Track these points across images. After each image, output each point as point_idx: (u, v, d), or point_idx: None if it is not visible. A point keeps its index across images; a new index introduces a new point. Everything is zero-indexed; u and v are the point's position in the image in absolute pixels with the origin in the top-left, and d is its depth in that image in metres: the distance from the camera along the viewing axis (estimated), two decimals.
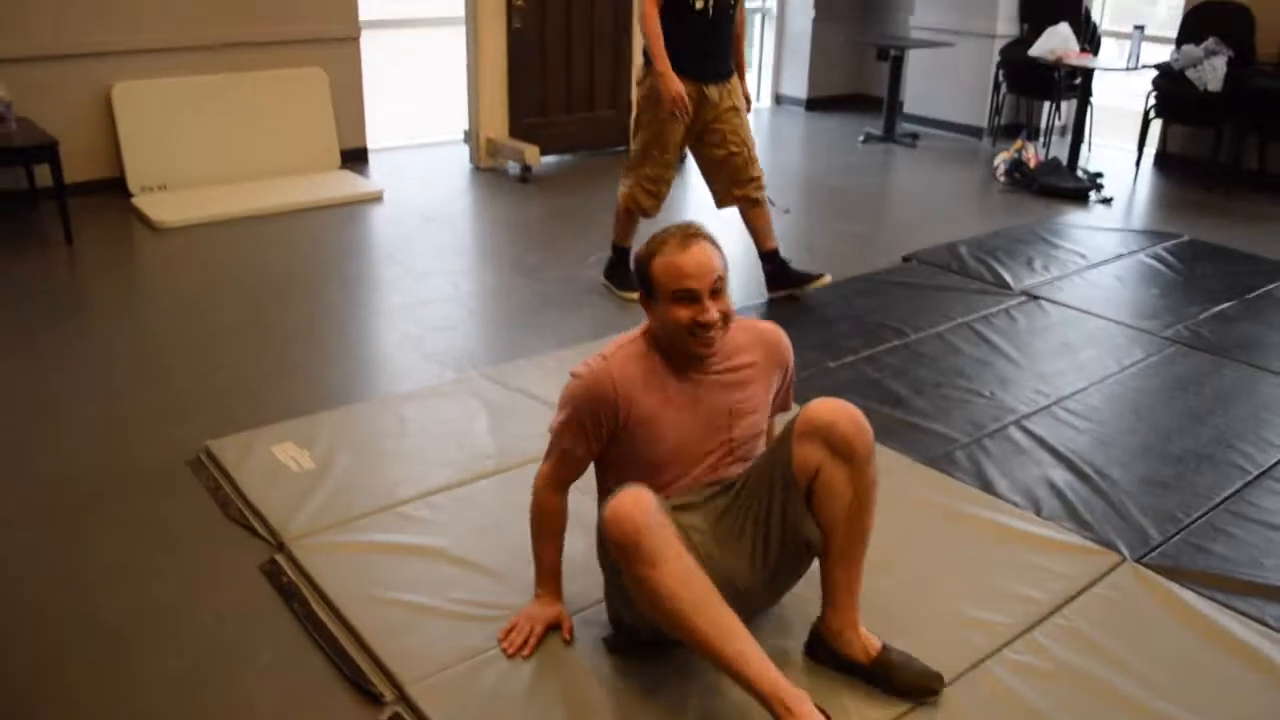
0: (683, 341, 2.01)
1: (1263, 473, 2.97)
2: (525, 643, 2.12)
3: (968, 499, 2.77)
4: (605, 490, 2.15)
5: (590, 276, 4.49)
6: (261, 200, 5.40)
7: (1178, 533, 2.66)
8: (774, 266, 4.25)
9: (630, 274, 3.79)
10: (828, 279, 4.24)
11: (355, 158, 6.28)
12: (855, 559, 2.04)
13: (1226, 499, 2.83)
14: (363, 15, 6.08)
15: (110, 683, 2.06)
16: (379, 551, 2.44)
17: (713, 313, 1.98)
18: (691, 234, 2.01)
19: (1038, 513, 2.72)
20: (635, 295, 3.42)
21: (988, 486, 2.84)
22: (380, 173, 6.16)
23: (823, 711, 1.80)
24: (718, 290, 2.00)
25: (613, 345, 2.10)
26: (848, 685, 2.06)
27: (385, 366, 3.59)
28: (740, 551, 2.04)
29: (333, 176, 5.92)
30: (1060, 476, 2.91)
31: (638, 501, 1.84)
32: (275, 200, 5.42)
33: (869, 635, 2.07)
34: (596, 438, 2.06)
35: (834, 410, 1.98)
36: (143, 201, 5.29)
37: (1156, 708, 2.05)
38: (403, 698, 2.01)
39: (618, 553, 1.84)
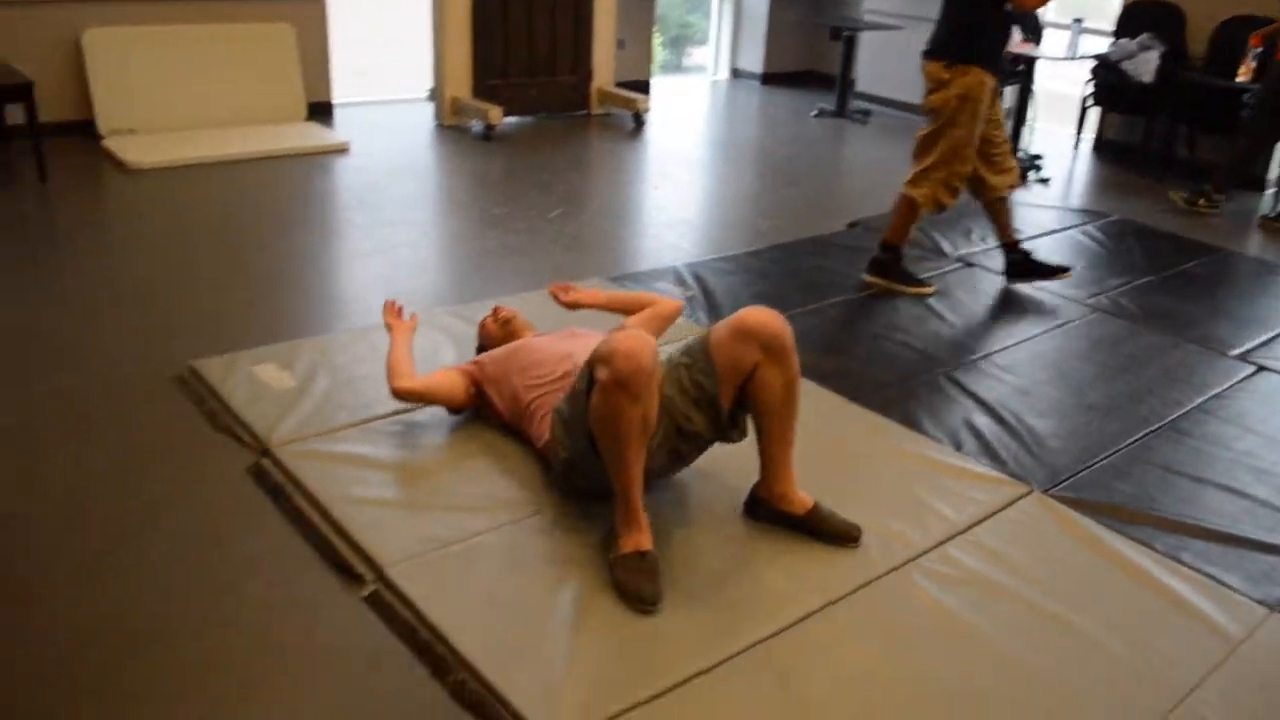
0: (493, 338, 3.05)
1: (1164, 424, 3.27)
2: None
3: (895, 435, 3.03)
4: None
5: (553, 229, 4.70)
6: (231, 147, 5.54)
7: (1083, 470, 2.94)
8: (1018, 257, 4.37)
9: (906, 268, 4.23)
10: (1070, 275, 4.34)
11: (321, 111, 6.40)
12: (789, 437, 2.48)
13: (1129, 444, 3.12)
14: None
15: (105, 568, 2.25)
16: (356, 459, 2.65)
17: (495, 315, 3.09)
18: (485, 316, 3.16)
19: (958, 448, 2.99)
20: (929, 289, 4.18)
21: (914, 425, 3.11)
22: (346, 126, 6.30)
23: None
24: (499, 315, 3.09)
25: None
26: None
27: (358, 303, 3.78)
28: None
29: (299, 127, 6.05)
30: (981, 420, 3.18)
31: (647, 345, 2.17)
32: (244, 147, 5.55)
33: (803, 494, 2.52)
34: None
35: (765, 315, 2.40)
36: (114, 144, 5.40)
37: (1049, 608, 2.33)
38: (381, 578, 2.23)
39: (613, 375, 2.13)
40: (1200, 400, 3.45)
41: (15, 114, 5.01)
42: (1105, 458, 3.03)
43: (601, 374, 2.16)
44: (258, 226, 4.49)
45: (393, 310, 3.00)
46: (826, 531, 2.50)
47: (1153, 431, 3.21)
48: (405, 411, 2.91)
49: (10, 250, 4.03)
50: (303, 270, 4.06)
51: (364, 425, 2.82)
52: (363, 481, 2.55)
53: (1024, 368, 3.60)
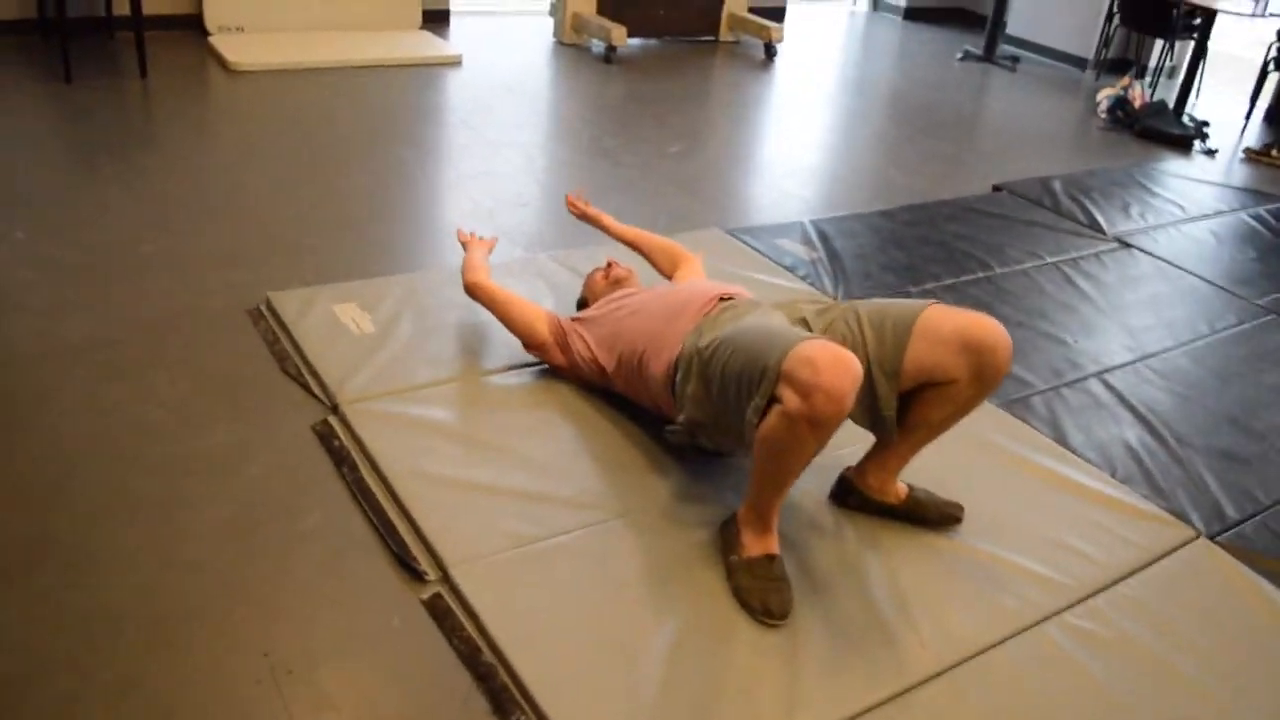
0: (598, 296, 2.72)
1: None
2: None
3: (1041, 449, 2.65)
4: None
5: (669, 168, 4.35)
6: (339, 52, 5.27)
7: (1257, 514, 2.53)
8: None
9: None
10: None
11: (436, 19, 6.10)
12: (923, 445, 2.19)
13: None
14: None
15: (159, 526, 2.03)
16: (432, 426, 2.37)
17: (608, 271, 2.75)
18: (596, 268, 2.84)
19: (1112, 474, 2.60)
20: None
21: (1062, 439, 2.72)
22: (460, 37, 5.99)
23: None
24: (611, 272, 2.74)
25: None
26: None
27: (453, 236, 3.49)
28: None
29: (412, 36, 5.76)
30: (1138, 438, 2.78)
31: (854, 379, 1.74)
32: (353, 54, 5.28)
33: (900, 484, 2.26)
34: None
35: (1006, 344, 2.01)
36: (219, 41, 5.18)
37: (1215, 692, 1.96)
38: (446, 578, 1.96)
39: (808, 413, 1.73)
40: None
41: (123, 4, 4.80)
42: None
43: (792, 404, 1.75)
44: (357, 141, 4.23)
45: (468, 236, 2.90)
46: (925, 518, 2.27)
47: None
48: (493, 372, 2.63)
49: (100, 147, 3.84)
50: (399, 193, 3.79)
51: (445, 385, 2.55)
52: (436, 455, 2.27)
53: (1188, 376, 3.16)
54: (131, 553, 1.96)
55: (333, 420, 2.39)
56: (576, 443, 2.41)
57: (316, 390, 2.50)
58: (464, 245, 2.82)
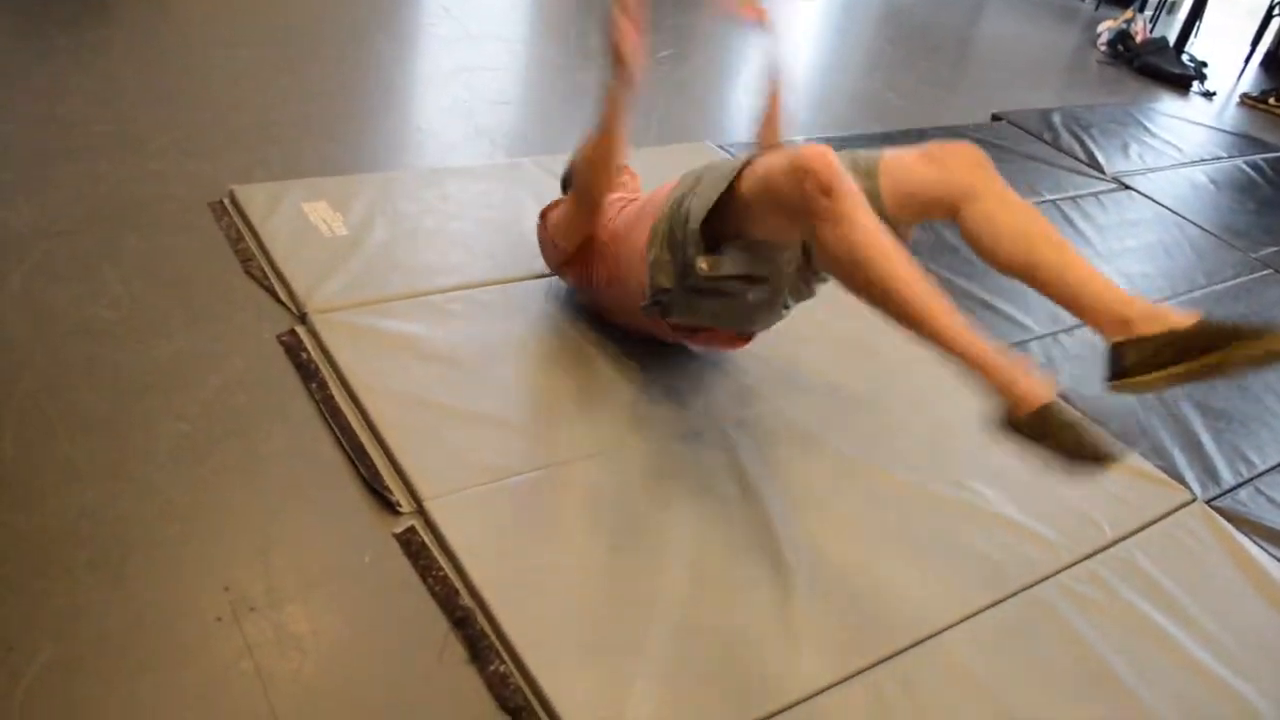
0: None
1: None
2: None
3: None
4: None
5: (661, 73, 4.14)
6: None
7: (1251, 478, 2.48)
8: None
9: None
10: None
11: None
12: (1073, 264, 1.77)
13: None
14: None
15: (109, 443, 1.87)
16: (408, 343, 2.22)
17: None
18: None
19: (1109, 429, 2.52)
20: None
21: (1061, 392, 2.63)
22: None
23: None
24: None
25: None
26: None
27: (432, 134, 3.29)
28: None
29: None
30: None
31: (826, 152, 1.69)
32: None
33: (1171, 311, 1.64)
34: None
35: (955, 143, 1.96)
36: None
37: (1211, 668, 1.91)
38: (420, 511, 1.83)
39: (815, 181, 1.65)
40: None
41: None
42: (1276, 466, 2.56)
43: (808, 188, 1.65)
44: (329, 23, 3.96)
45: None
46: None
47: None
48: (475, 286, 2.47)
49: (51, 17, 3.55)
50: (374, 86, 3.56)
51: (423, 298, 2.39)
52: (411, 375, 2.13)
53: None
54: (79, 471, 1.80)
55: (300, 331, 2.23)
56: (565, 368, 2.27)
57: (283, 296, 2.32)
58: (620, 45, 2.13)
